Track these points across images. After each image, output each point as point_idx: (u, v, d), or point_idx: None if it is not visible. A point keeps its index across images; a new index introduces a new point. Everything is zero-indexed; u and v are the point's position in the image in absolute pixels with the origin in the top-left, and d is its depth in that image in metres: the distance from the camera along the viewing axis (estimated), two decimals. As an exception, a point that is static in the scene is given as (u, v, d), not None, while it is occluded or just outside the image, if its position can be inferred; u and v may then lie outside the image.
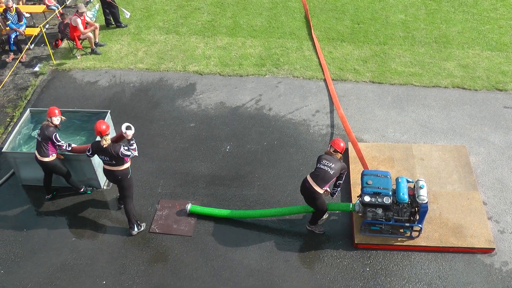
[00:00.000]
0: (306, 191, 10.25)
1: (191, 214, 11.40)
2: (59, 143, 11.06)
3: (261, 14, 18.10)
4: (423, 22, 17.29)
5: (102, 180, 12.08)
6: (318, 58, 15.83)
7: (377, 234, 10.63)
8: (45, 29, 17.43)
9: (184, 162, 12.66)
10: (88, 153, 10.69)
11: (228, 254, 10.70)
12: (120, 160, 10.40)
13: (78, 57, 16.34)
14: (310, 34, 16.97)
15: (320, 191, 10.10)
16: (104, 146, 10.26)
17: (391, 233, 10.60)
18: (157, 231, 11.16)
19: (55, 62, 16.20)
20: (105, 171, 10.78)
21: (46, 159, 11.14)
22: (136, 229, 11.09)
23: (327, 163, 10.06)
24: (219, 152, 12.92)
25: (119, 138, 10.75)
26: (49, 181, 11.71)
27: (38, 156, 11.12)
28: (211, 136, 13.36)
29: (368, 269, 10.33)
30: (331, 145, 10.27)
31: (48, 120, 11.13)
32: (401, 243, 10.57)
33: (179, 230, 11.15)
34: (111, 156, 10.31)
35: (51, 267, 10.59)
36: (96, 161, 11.61)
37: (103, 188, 12.12)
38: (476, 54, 15.78)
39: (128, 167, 10.66)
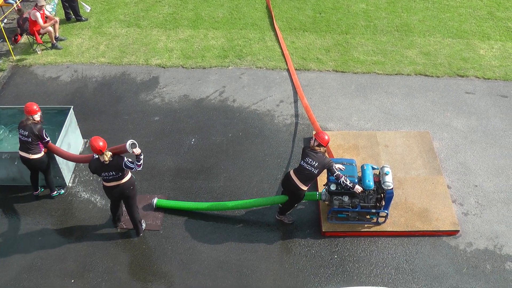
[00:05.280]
0: (291, 187, 10.21)
1: (158, 208, 11.35)
2: (47, 139, 10.83)
3: (222, 5, 18.01)
4: (384, 11, 17.43)
5: (67, 177, 11.92)
6: (281, 48, 15.85)
7: (344, 221, 10.73)
8: (3, 24, 17.08)
9: (149, 156, 12.54)
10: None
11: (196, 247, 10.68)
12: (124, 171, 9.89)
13: (38, 52, 16.06)
14: (272, 24, 16.96)
15: (305, 188, 10.14)
16: (106, 162, 9.66)
17: (358, 219, 10.71)
18: (125, 227, 11.07)
19: (15, 58, 15.88)
20: (109, 188, 10.07)
21: (37, 156, 10.88)
22: (144, 225, 11.03)
23: (311, 162, 9.92)
24: (184, 145, 12.86)
25: (119, 151, 9.88)
26: (36, 177, 11.45)
27: (27, 155, 10.79)
28: (175, 129, 13.28)
29: (336, 256, 10.42)
30: (315, 138, 10.05)
31: (30, 118, 10.70)
32: (368, 229, 10.68)
33: (147, 225, 11.07)
34: (116, 169, 9.75)
35: (19, 267, 10.42)
36: (60, 159, 11.44)
37: (69, 185, 11.95)
38: (437, 42, 15.97)
39: (132, 175, 10.23)
